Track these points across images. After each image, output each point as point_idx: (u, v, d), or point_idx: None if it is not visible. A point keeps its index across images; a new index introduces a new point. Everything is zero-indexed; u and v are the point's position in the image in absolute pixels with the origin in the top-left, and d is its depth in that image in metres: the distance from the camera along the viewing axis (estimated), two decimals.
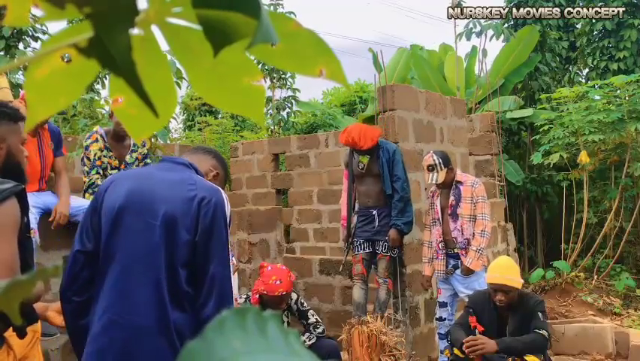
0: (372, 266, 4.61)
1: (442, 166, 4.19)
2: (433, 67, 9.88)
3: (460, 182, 4.26)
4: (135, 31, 0.49)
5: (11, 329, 1.82)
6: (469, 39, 9.43)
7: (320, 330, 3.95)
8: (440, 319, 4.34)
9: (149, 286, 1.70)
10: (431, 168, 4.20)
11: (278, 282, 3.70)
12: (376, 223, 4.45)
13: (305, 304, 4.03)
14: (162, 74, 0.52)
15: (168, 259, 1.72)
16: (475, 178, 4.41)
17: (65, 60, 0.50)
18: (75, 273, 1.80)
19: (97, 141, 3.88)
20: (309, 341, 3.89)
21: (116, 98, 0.54)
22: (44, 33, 7.96)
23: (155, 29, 0.49)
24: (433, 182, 4.21)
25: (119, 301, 1.71)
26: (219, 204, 1.79)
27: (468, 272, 4.14)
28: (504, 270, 3.52)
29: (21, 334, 1.82)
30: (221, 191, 1.87)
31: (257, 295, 3.80)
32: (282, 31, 0.48)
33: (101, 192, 1.85)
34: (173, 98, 0.54)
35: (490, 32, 9.41)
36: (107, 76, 7.81)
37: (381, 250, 4.46)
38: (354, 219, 4.61)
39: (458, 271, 4.21)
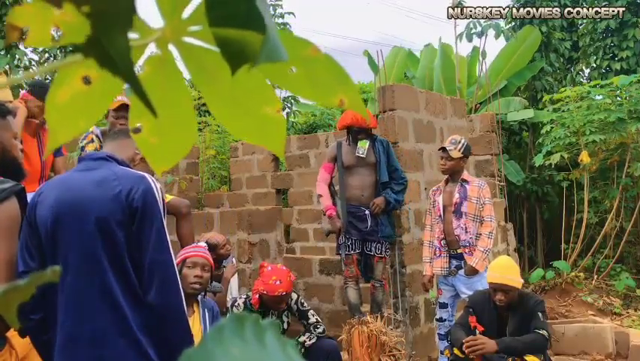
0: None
1: (462, 149, 4.18)
2: (438, 67, 9.85)
3: (466, 180, 4.24)
4: (153, 50, 0.48)
5: (13, 328, 1.83)
6: (470, 40, 9.41)
7: (320, 330, 3.95)
8: (440, 320, 4.32)
9: (98, 292, 1.70)
10: (454, 141, 4.21)
11: (278, 282, 3.69)
12: (369, 223, 4.36)
13: (305, 305, 4.03)
14: (181, 98, 0.51)
15: (112, 260, 1.72)
16: (481, 180, 4.41)
17: (86, 82, 0.49)
18: None
19: (92, 141, 3.87)
20: (309, 340, 3.89)
21: (137, 127, 0.53)
22: None
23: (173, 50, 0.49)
24: (448, 149, 4.16)
25: (73, 313, 1.72)
26: (148, 191, 1.77)
27: (472, 272, 4.10)
28: (504, 270, 3.52)
29: (23, 333, 1.83)
30: (147, 177, 1.83)
31: (257, 295, 3.79)
32: (300, 55, 0.47)
33: (31, 207, 1.82)
34: (193, 124, 0.52)
35: (492, 33, 9.40)
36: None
37: (375, 252, 4.38)
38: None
39: (461, 272, 4.17)
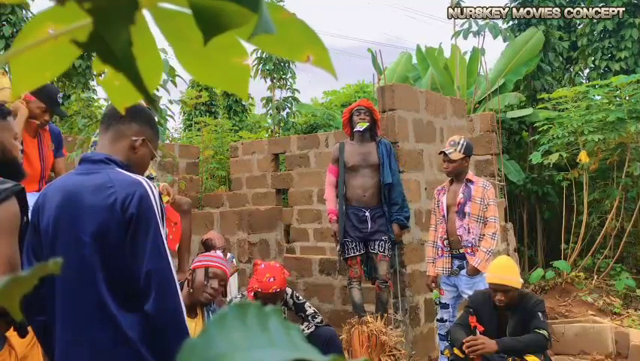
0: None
1: (463, 149, 4.16)
2: (440, 67, 9.86)
3: (471, 181, 4.23)
4: None
5: (12, 328, 1.83)
6: (465, 38, 9.42)
7: (318, 320, 3.96)
8: (441, 320, 4.31)
9: (91, 303, 1.68)
10: (453, 143, 4.20)
11: (271, 279, 3.71)
12: (369, 225, 4.39)
13: (300, 298, 4.05)
14: (148, 52, 0.53)
15: (107, 270, 1.69)
16: (485, 180, 4.39)
17: (53, 37, 0.49)
18: (29, 294, 1.77)
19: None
20: (307, 329, 3.90)
21: (102, 72, 0.54)
22: None
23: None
24: (447, 153, 4.17)
25: (69, 323, 1.71)
26: (143, 197, 1.72)
27: (474, 273, 4.09)
28: (503, 270, 3.52)
29: (22, 333, 1.82)
30: (144, 182, 1.76)
31: (252, 293, 3.81)
32: (273, 19, 0.50)
33: (35, 210, 1.81)
34: (159, 69, 0.55)
35: (489, 32, 9.40)
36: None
37: (379, 251, 4.39)
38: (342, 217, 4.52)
39: (463, 272, 4.17)
